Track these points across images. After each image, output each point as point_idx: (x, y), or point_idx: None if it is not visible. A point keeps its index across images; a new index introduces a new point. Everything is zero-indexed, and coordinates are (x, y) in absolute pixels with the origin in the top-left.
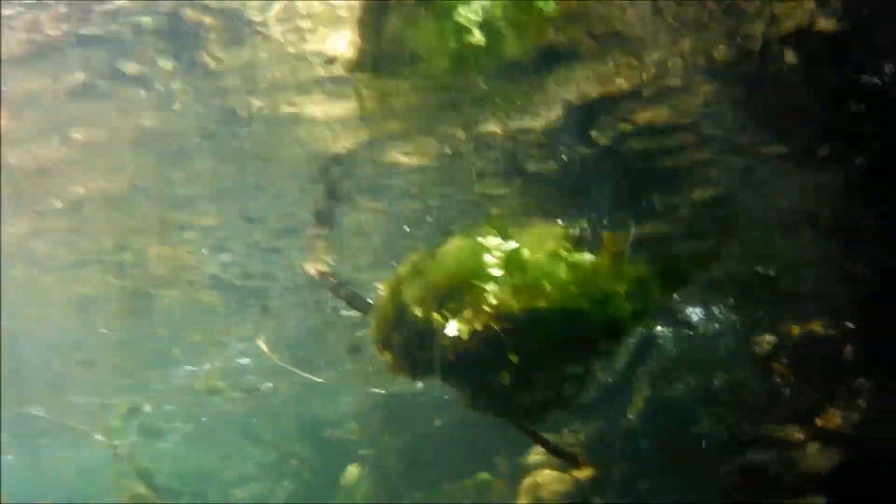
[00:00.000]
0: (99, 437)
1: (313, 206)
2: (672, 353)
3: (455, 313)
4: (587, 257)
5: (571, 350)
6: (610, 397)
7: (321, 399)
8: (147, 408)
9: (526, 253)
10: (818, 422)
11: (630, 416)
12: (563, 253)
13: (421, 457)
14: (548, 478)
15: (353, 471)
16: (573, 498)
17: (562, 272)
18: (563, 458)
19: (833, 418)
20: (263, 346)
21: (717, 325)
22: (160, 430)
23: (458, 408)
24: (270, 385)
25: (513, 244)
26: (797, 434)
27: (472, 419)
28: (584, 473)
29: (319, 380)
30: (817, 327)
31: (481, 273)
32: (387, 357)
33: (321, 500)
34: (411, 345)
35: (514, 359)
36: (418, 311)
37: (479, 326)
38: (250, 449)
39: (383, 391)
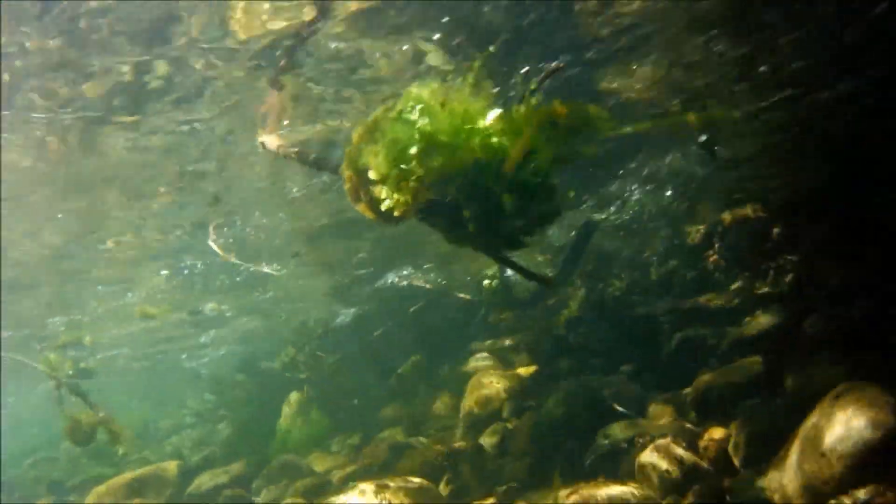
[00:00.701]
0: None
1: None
2: (610, 248)
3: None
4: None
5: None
6: (551, 289)
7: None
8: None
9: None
10: (753, 299)
11: (572, 308)
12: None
13: (358, 374)
14: (492, 377)
15: (294, 398)
16: (516, 395)
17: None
18: (538, 280)
19: (761, 298)
20: (214, 246)
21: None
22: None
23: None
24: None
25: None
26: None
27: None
28: (526, 370)
29: (274, 271)
30: (749, 212)
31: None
32: (361, 209)
33: (258, 440)
34: (377, 201)
35: (466, 214)
36: (374, 176)
37: (409, 199)
38: (187, 396)
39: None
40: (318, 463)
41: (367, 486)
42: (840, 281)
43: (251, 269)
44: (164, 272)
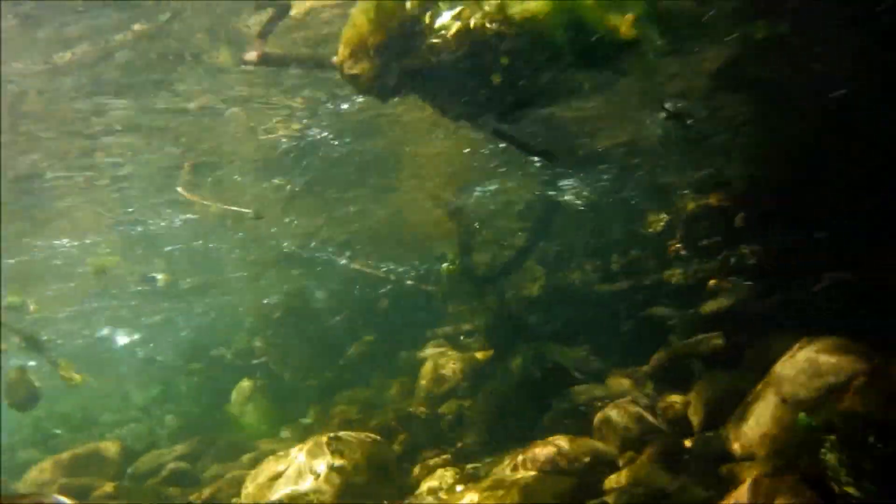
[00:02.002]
0: None
1: None
2: (572, 233)
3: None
4: None
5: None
6: (515, 267)
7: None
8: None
9: None
10: (713, 282)
11: (534, 292)
12: None
13: (318, 362)
14: (448, 359)
15: (245, 385)
16: (472, 375)
17: None
18: (539, 154)
19: (722, 283)
20: (183, 191)
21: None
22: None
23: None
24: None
25: None
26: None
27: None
28: (483, 354)
29: (247, 210)
30: (712, 200)
31: None
32: (360, 68)
33: (206, 430)
34: (392, 48)
35: (504, 61)
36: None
37: (473, 26)
38: (131, 388)
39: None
40: (268, 445)
41: (321, 439)
42: (799, 262)
43: (222, 207)
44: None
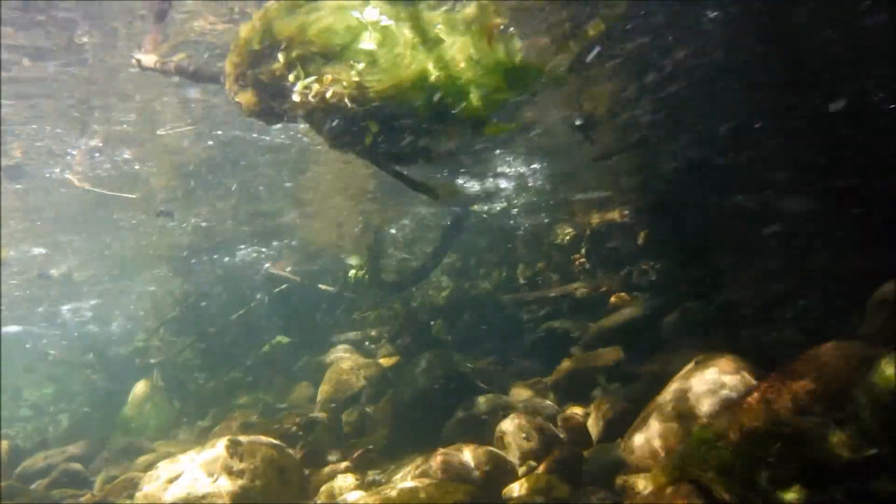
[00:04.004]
0: None
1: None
2: (479, 245)
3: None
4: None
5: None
6: (423, 275)
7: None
8: None
9: (399, 31)
10: (615, 297)
11: (440, 301)
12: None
13: (218, 361)
14: (352, 365)
15: (142, 386)
16: (376, 382)
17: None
18: (423, 192)
19: (624, 297)
20: (74, 179)
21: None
22: None
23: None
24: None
25: (388, 20)
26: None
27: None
28: (387, 361)
29: (133, 196)
30: (616, 216)
31: (352, 45)
32: (242, 97)
33: (101, 431)
34: (267, 90)
35: (373, 127)
36: (281, 57)
37: (329, 97)
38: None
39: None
40: (166, 447)
41: (220, 442)
42: (697, 279)
43: (107, 194)
44: None
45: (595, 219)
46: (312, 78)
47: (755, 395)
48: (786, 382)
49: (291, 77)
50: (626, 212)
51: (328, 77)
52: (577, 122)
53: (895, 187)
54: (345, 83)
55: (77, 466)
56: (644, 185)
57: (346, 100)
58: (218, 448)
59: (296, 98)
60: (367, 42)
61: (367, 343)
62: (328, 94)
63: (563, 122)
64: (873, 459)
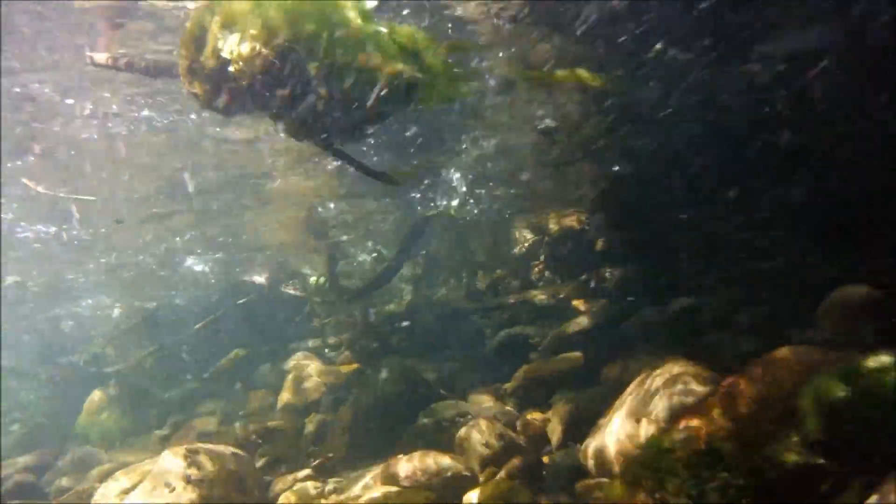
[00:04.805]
0: None
1: None
2: (439, 251)
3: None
4: None
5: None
6: (383, 282)
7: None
8: None
9: None
10: (575, 303)
11: (400, 308)
12: None
13: (176, 369)
14: (312, 372)
15: (98, 395)
16: (336, 389)
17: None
18: (379, 178)
19: (583, 304)
20: (29, 182)
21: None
22: None
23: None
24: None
25: None
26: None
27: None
28: (347, 368)
29: (92, 198)
30: (574, 223)
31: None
32: (196, 88)
33: (55, 441)
34: (216, 74)
35: (313, 69)
36: (215, 31)
37: (254, 45)
38: None
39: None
40: (122, 457)
41: (177, 451)
42: (655, 284)
43: (62, 196)
44: None
45: (554, 226)
46: (235, 37)
47: (710, 400)
48: (740, 388)
49: (221, 45)
50: (585, 218)
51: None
52: (541, 127)
53: (848, 194)
54: (254, 31)
55: (30, 478)
56: (603, 192)
57: (259, 45)
58: (175, 457)
59: (233, 67)
60: None
61: (327, 350)
62: (245, 50)
63: (527, 125)
64: (819, 467)
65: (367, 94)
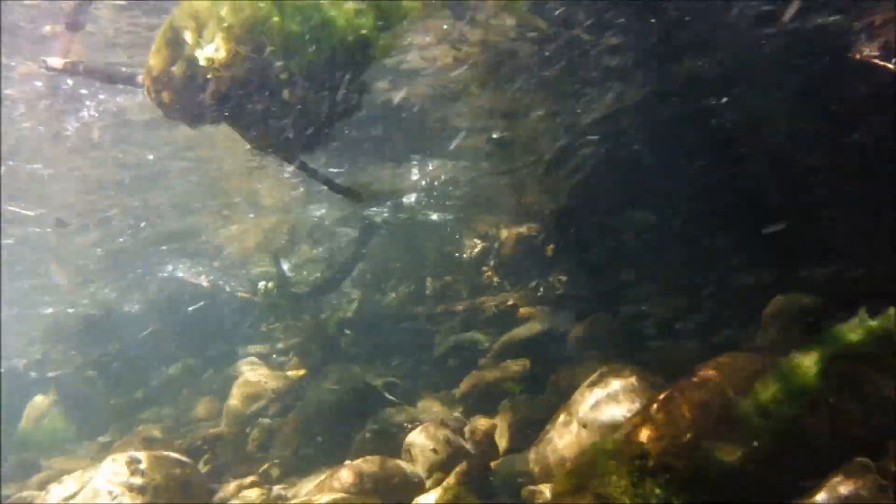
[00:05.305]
0: None
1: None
2: (388, 257)
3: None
4: None
5: (331, 63)
6: (332, 287)
7: None
8: None
9: None
10: (524, 310)
11: (349, 314)
12: None
13: (122, 375)
14: (260, 377)
15: (39, 400)
16: (283, 394)
17: None
18: (344, 194)
19: (532, 310)
20: None
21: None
22: None
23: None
24: None
25: None
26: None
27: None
28: (295, 374)
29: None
30: (524, 229)
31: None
32: (165, 96)
33: None
34: (188, 85)
35: (283, 76)
36: (190, 39)
37: (230, 45)
38: None
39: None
40: (63, 464)
41: (120, 458)
42: (602, 292)
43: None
44: None
45: (503, 232)
46: (213, 45)
47: (654, 406)
48: (683, 394)
49: (198, 52)
50: (534, 225)
51: (221, 34)
52: (494, 136)
53: (791, 202)
54: (230, 32)
55: None
56: (551, 200)
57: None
58: (118, 464)
59: (212, 74)
60: None
61: (274, 356)
62: (225, 54)
63: (479, 133)
64: (757, 469)
65: (330, 71)
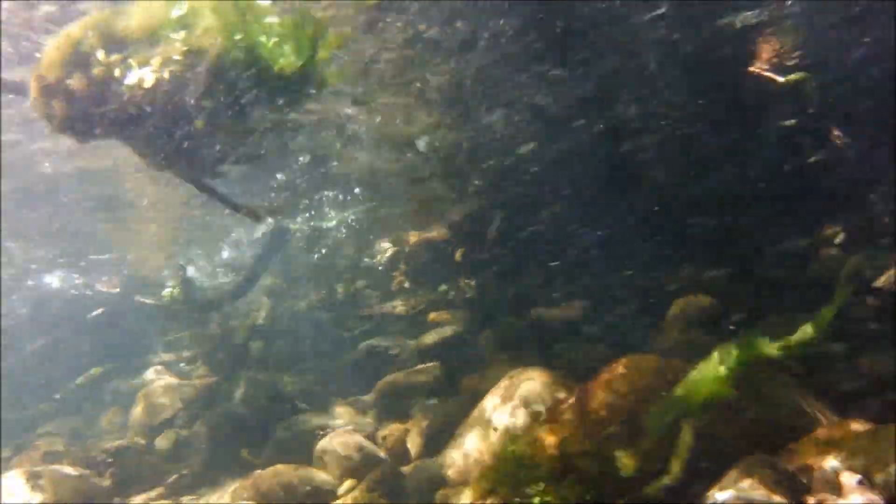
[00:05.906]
0: None
1: None
2: (299, 263)
3: (141, 63)
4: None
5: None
6: (240, 294)
7: None
8: None
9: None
10: (434, 315)
11: (259, 320)
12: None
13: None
14: (166, 387)
15: None
16: (191, 403)
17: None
18: (246, 213)
19: (442, 315)
20: None
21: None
22: None
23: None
24: None
25: None
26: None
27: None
28: (203, 382)
29: None
30: (434, 234)
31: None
32: (54, 108)
33: None
34: (87, 96)
35: (207, 104)
36: (101, 57)
37: (166, 75)
38: None
39: None
40: None
41: (19, 473)
42: (510, 296)
43: None
44: None
45: (413, 237)
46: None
47: (562, 408)
48: (588, 396)
49: (118, 73)
50: (444, 231)
51: (158, 59)
52: (419, 143)
53: (690, 208)
54: (177, 55)
55: None
56: (459, 206)
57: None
58: (16, 479)
59: (133, 94)
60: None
61: (182, 364)
62: (164, 74)
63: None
64: (656, 475)
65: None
